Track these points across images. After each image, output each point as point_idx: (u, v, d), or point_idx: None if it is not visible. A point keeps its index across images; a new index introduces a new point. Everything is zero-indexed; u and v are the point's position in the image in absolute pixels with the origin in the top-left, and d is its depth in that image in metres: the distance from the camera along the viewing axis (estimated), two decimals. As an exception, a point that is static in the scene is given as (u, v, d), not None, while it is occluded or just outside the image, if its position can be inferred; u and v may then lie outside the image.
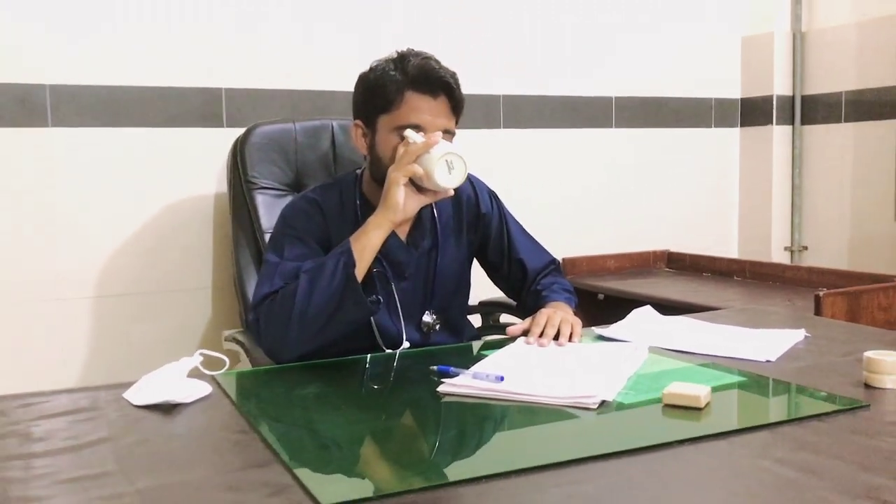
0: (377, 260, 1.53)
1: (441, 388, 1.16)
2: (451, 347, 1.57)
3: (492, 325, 2.08)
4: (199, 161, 2.19)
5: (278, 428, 1.01)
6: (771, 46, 2.89)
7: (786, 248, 2.95)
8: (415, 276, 1.60)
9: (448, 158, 1.40)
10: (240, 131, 2.15)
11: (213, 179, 2.22)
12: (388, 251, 1.55)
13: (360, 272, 1.39)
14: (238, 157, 1.99)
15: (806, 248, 2.91)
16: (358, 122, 1.54)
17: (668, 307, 1.73)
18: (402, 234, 1.57)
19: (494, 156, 2.56)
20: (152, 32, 2.12)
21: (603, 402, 1.07)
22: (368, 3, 2.37)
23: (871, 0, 2.67)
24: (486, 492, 0.81)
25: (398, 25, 2.41)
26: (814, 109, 2.87)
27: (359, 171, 1.62)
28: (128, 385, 1.20)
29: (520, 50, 2.60)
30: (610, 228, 2.81)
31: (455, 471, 0.87)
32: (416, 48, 1.52)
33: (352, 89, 2.27)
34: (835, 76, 2.79)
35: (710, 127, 2.95)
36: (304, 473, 0.85)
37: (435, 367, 1.24)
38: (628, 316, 1.60)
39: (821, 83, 2.84)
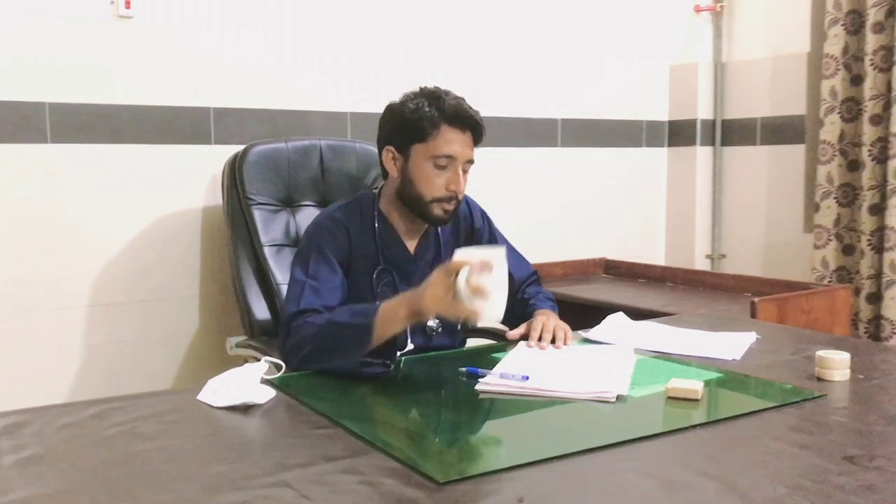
0: (388, 270, 1.74)
1: (478, 387, 1.37)
2: (459, 351, 1.78)
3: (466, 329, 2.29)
4: (188, 176, 2.32)
5: (361, 423, 1.19)
6: (696, 75, 3.21)
7: (707, 256, 3.28)
8: (419, 285, 1.80)
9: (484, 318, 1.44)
10: (226, 148, 2.30)
11: (201, 193, 2.34)
12: (399, 262, 1.75)
13: (376, 342, 1.46)
14: (236, 174, 2.13)
15: (724, 256, 3.25)
16: (390, 147, 1.71)
17: (614, 310, 1.95)
18: (411, 247, 1.77)
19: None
20: (146, 55, 2.23)
21: (618, 396, 1.30)
22: (344, 34, 2.54)
23: (782, 38, 3.01)
24: (567, 468, 1.02)
25: (369, 57, 2.59)
26: (732, 133, 3.20)
27: (376, 190, 1.80)
28: (192, 390, 1.35)
29: (479, 77, 2.81)
30: (554, 237, 3.06)
31: (531, 452, 1.06)
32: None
33: (328, 109, 2.46)
34: (751, 104, 3.13)
35: (641, 147, 3.25)
36: (410, 458, 1.04)
37: (464, 369, 1.45)
38: (604, 321, 1.84)
39: (739, 109, 3.17)
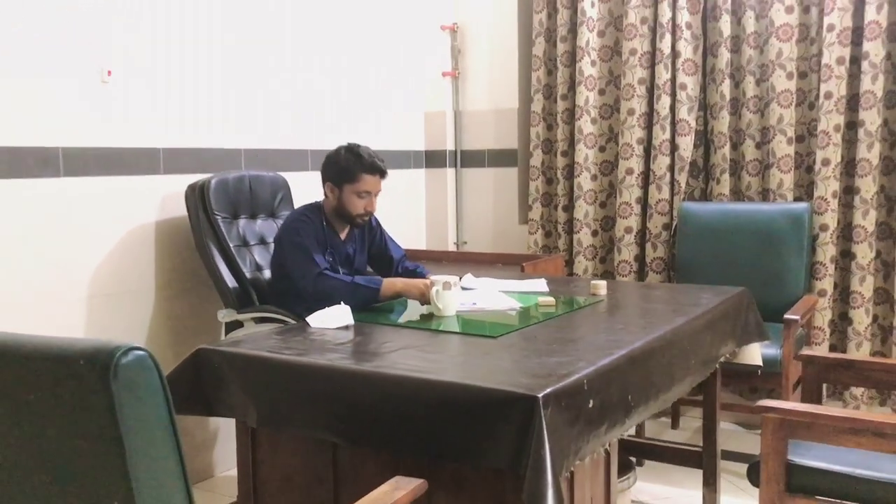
0: (331, 252, 2.82)
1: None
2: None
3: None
4: (145, 198, 3.13)
5: (417, 322, 2.36)
6: (443, 118, 4.61)
7: (454, 243, 4.71)
8: (346, 265, 2.92)
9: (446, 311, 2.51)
10: (174, 178, 3.18)
11: (154, 211, 3.16)
12: (336, 247, 2.86)
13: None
14: (204, 196, 3.04)
15: (466, 242, 4.71)
16: (329, 183, 2.81)
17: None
18: (342, 237, 2.89)
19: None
20: (120, 110, 3.01)
21: (520, 307, 2.62)
22: (240, 97, 3.49)
23: (500, 97, 4.53)
24: (549, 325, 2.32)
25: (256, 110, 3.56)
26: (469, 159, 4.65)
27: (320, 203, 2.88)
28: (302, 323, 2.39)
29: (306, 121, 3.91)
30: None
31: (514, 323, 2.34)
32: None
33: (247, 146, 3.43)
34: (480, 139, 4.60)
35: (410, 168, 4.58)
36: (468, 329, 2.26)
37: (430, 303, 2.65)
38: (464, 278, 3.12)
39: (472, 143, 4.63)
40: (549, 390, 1.68)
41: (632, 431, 3.56)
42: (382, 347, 2.17)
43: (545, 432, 1.62)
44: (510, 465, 1.68)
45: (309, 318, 2.41)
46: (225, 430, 3.36)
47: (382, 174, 2.85)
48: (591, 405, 1.82)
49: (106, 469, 1.04)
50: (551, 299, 2.68)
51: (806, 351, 2.70)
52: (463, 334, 2.30)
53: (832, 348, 3.75)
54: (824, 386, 3.72)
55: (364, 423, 1.90)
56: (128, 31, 3.03)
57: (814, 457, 2.09)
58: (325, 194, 2.86)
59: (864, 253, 3.61)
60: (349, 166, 2.79)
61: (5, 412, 1.11)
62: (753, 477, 2.16)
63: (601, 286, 2.87)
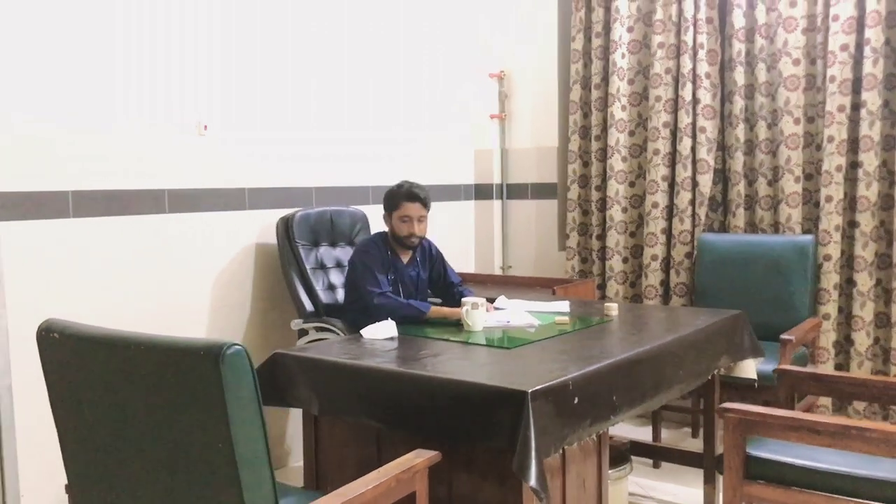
0: (393, 273, 3.39)
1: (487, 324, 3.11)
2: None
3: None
4: (236, 230, 3.76)
5: (452, 336, 2.90)
6: (491, 155, 5.15)
7: (500, 267, 5.23)
8: (408, 286, 3.48)
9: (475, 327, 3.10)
10: (257, 213, 3.79)
11: (243, 240, 3.79)
12: (398, 269, 3.42)
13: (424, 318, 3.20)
14: (288, 227, 3.65)
15: (511, 266, 5.23)
16: (385, 212, 3.38)
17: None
18: (404, 261, 3.45)
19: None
20: (212, 157, 3.65)
21: (538, 325, 3.13)
22: (308, 146, 4.10)
23: (541, 136, 5.06)
24: (565, 339, 2.83)
25: (326, 158, 4.17)
26: (514, 192, 5.19)
27: (386, 233, 3.45)
28: (357, 336, 2.95)
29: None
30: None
31: (543, 334, 2.86)
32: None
33: (317, 185, 4.03)
34: (524, 174, 5.13)
35: (461, 200, 5.13)
36: (490, 343, 2.79)
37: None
38: (497, 299, 3.64)
39: (517, 177, 5.16)
40: (537, 387, 2.19)
41: (648, 437, 4.04)
42: (419, 355, 2.71)
43: (531, 419, 2.14)
44: (507, 444, 2.20)
45: (362, 331, 2.97)
46: (293, 427, 3.95)
47: (420, 200, 3.37)
48: (575, 402, 2.33)
49: (214, 426, 1.61)
50: (566, 318, 3.18)
51: (784, 366, 3.13)
52: (485, 346, 2.83)
53: (837, 367, 4.13)
54: (830, 402, 4.12)
55: (400, 413, 2.45)
56: (223, 92, 3.67)
57: (768, 451, 2.55)
58: (385, 225, 3.43)
59: (865, 281, 3.99)
60: (392, 196, 3.37)
61: (145, 387, 1.69)
62: (720, 467, 2.62)
63: (613, 308, 3.35)
